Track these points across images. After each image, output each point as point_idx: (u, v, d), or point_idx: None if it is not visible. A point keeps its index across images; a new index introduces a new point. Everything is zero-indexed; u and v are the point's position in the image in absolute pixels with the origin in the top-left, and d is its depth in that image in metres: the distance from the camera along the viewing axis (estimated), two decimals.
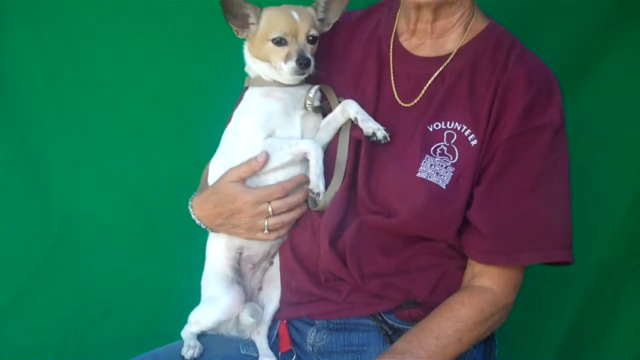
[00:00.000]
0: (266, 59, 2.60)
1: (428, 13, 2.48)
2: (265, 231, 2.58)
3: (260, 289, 2.74)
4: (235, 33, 2.64)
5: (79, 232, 3.44)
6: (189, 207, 2.68)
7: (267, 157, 2.54)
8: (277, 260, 2.72)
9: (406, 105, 2.54)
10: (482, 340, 2.50)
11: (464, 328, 2.37)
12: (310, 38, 2.57)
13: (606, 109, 3.22)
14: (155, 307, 3.43)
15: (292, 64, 2.53)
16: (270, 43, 2.56)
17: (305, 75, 2.58)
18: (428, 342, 2.34)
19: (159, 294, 3.43)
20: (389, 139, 2.47)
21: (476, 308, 2.38)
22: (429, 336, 2.36)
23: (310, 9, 2.62)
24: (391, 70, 2.59)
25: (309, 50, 2.55)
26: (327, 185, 2.54)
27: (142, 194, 3.42)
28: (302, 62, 2.51)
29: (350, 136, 2.56)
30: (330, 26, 2.67)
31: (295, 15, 2.55)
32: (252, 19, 2.60)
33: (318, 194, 2.53)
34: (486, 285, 2.41)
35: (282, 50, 2.55)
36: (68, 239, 3.43)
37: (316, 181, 2.53)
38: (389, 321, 2.50)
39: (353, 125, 2.55)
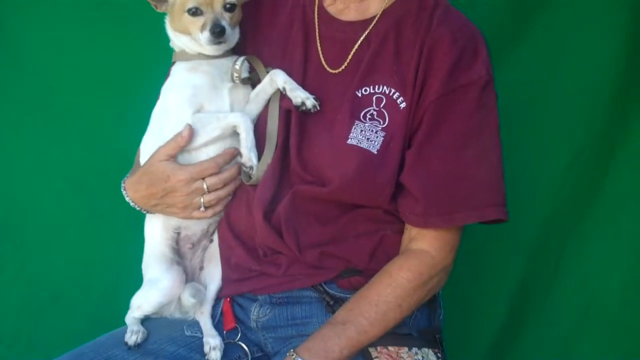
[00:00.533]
0: (186, 32, 2.55)
1: None
2: (202, 209, 2.54)
3: (201, 268, 2.71)
4: (154, 7, 2.58)
5: (23, 222, 3.40)
6: (122, 190, 2.63)
7: (192, 131, 2.49)
8: (216, 237, 2.68)
9: (334, 71, 2.50)
10: (425, 304, 2.48)
11: (403, 293, 2.35)
12: (228, 6, 2.51)
13: (542, 67, 3.22)
14: (105, 292, 3.41)
15: (206, 33, 2.48)
16: (187, 14, 2.51)
17: (223, 44, 2.53)
18: (368, 310, 2.33)
19: (109, 279, 3.40)
20: (318, 108, 2.44)
21: (414, 272, 2.36)
22: (368, 304, 2.34)
23: None
24: (317, 37, 2.55)
25: (226, 19, 2.50)
26: (259, 158, 2.50)
27: (86, 179, 3.39)
28: (216, 31, 2.46)
29: (280, 106, 2.52)
30: None
31: None
32: None
33: (251, 167, 2.49)
34: (423, 248, 2.39)
35: (199, 20, 2.50)
36: (12, 229, 3.40)
37: (248, 154, 2.49)
38: (330, 291, 2.47)
39: (282, 95, 2.51)
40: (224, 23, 2.48)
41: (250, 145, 2.50)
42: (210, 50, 2.55)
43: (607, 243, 3.24)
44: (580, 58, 3.19)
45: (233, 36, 2.55)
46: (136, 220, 2.72)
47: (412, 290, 2.37)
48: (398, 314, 2.36)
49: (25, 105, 3.33)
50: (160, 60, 2.73)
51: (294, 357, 2.27)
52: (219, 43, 2.51)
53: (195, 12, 2.50)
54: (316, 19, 2.56)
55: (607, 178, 3.22)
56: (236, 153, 2.54)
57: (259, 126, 2.55)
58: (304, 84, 2.50)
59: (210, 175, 2.51)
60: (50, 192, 3.40)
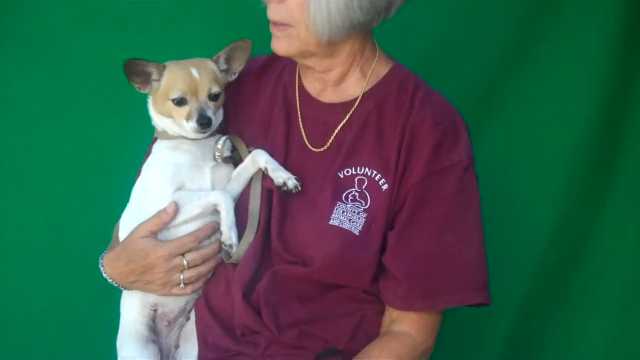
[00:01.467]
0: (169, 116, 2.55)
1: (310, 63, 2.49)
2: (181, 285, 2.51)
3: (177, 346, 2.65)
4: (137, 89, 2.58)
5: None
6: (100, 266, 2.60)
7: (176, 208, 2.48)
8: (193, 315, 2.63)
9: (317, 150, 2.52)
10: None
11: None
12: (213, 95, 2.53)
13: (517, 140, 3.29)
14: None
15: (192, 123, 2.48)
16: (170, 102, 2.51)
17: (208, 133, 2.54)
18: None
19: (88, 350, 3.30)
20: (300, 188, 2.44)
21: (394, 355, 2.34)
22: None
23: (211, 62, 2.56)
24: (299, 116, 2.57)
25: (211, 107, 2.51)
26: (240, 237, 2.48)
27: (55, 268, 3.31)
28: (203, 122, 2.47)
29: (262, 186, 2.52)
30: (236, 75, 2.63)
31: (194, 72, 2.50)
32: (154, 76, 2.55)
33: (231, 246, 2.47)
34: (404, 331, 2.38)
35: (184, 109, 2.50)
36: None
37: (228, 233, 2.48)
38: None
39: (264, 174, 2.52)
40: (210, 113, 2.49)
41: (230, 224, 2.48)
42: (195, 136, 2.56)
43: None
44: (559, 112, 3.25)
45: (217, 120, 2.56)
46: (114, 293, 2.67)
47: None
48: None
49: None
50: (131, 132, 2.77)
51: None
52: (204, 132, 2.52)
53: (179, 101, 2.50)
54: (297, 99, 2.58)
55: (587, 248, 3.26)
56: (217, 228, 2.52)
57: (241, 205, 2.54)
58: (286, 162, 2.51)
59: (190, 250, 2.49)
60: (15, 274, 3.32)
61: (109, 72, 2.92)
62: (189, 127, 2.49)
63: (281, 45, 2.42)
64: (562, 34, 3.22)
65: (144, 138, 2.72)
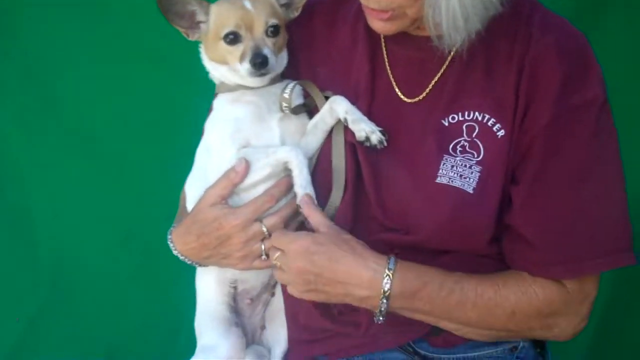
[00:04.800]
0: (224, 61, 2.26)
1: None
2: (263, 257, 2.21)
3: (263, 327, 2.42)
4: (185, 36, 2.30)
5: (73, 279, 3.38)
6: (169, 242, 2.33)
7: (247, 165, 2.19)
8: (279, 290, 2.38)
9: (410, 100, 2.17)
10: (532, 346, 2.20)
11: (524, 305, 2.05)
12: (271, 30, 2.21)
13: None
14: (162, 346, 3.30)
15: (246, 64, 2.19)
16: (223, 42, 2.22)
17: (267, 77, 2.24)
18: (486, 290, 2.04)
19: (164, 335, 3.29)
20: (385, 144, 2.12)
21: (547, 294, 2.05)
22: (490, 285, 2.05)
23: None
24: (385, 56, 2.21)
25: (269, 45, 2.20)
26: (325, 199, 2.17)
27: (134, 230, 3.35)
28: (257, 62, 2.16)
29: (345, 140, 2.19)
30: (300, 9, 2.30)
31: (247, 4, 2.20)
32: (200, 16, 2.26)
33: None
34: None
35: (237, 49, 2.21)
36: (61, 287, 3.38)
37: (303, 194, 2.17)
38: (422, 351, 2.17)
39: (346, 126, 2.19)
40: (267, 51, 2.18)
41: (305, 183, 2.17)
42: (252, 82, 2.26)
43: None
44: None
45: (278, 63, 2.26)
46: (190, 270, 2.46)
47: (534, 311, 2.06)
48: (504, 320, 2.06)
49: (63, 160, 3.31)
50: (206, 94, 2.47)
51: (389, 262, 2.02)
52: (262, 75, 2.21)
53: (232, 39, 2.20)
54: (382, 35, 2.21)
55: None
56: (293, 183, 2.22)
57: (323, 163, 2.23)
58: (370, 113, 2.18)
59: (268, 214, 2.19)
60: (97, 248, 3.34)
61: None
62: (244, 69, 2.20)
63: (388, 28, 2.09)
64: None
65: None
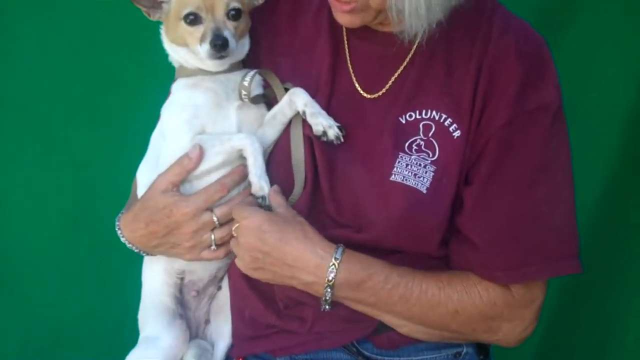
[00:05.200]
0: (184, 43, 2.21)
1: None
2: (213, 247, 2.16)
3: (207, 321, 2.36)
4: (146, 15, 2.25)
5: (17, 265, 3.22)
6: (117, 229, 2.27)
7: (201, 152, 2.14)
8: (225, 285, 2.32)
9: (370, 96, 2.14)
10: (476, 350, 2.17)
11: (467, 305, 2.02)
12: (232, 13, 2.16)
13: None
14: (107, 335, 3.20)
15: (206, 45, 2.14)
16: (183, 23, 2.17)
17: (226, 58, 2.19)
18: (430, 287, 2.02)
19: (111, 320, 3.19)
20: (342, 140, 2.08)
21: (490, 296, 2.03)
22: (434, 281, 2.03)
23: None
24: (347, 51, 2.18)
25: (230, 28, 2.16)
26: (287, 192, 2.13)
27: (82, 215, 3.19)
28: (217, 43, 2.11)
29: (303, 134, 2.15)
30: None
31: None
32: None
33: (263, 198, 2.12)
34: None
35: (197, 30, 2.16)
36: (5, 274, 3.21)
37: (258, 182, 2.13)
38: (365, 352, 2.12)
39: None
40: (227, 33, 2.14)
41: (260, 172, 2.13)
42: (212, 65, 2.21)
43: None
44: None
45: (239, 49, 2.21)
46: (138, 257, 2.39)
47: (477, 312, 2.03)
48: (447, 319, 2.03)
49: (7, 142, 3.16)
50: (163, 78, 2.41)
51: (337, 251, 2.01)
52: (221, 57, 2.16)
53: (193, 20, 2.16)
54: (344, 28, 2.18)
55: None
56: (245, 172, 2.17)
57: (278, 155, 2.19)
58: (329, 107, 2.14)
59: (219, 203, 2.14)
60: (43, 233, 3.20)
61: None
62: (203, 51, 2.15)
63: (352, 20, 2.06)
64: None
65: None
